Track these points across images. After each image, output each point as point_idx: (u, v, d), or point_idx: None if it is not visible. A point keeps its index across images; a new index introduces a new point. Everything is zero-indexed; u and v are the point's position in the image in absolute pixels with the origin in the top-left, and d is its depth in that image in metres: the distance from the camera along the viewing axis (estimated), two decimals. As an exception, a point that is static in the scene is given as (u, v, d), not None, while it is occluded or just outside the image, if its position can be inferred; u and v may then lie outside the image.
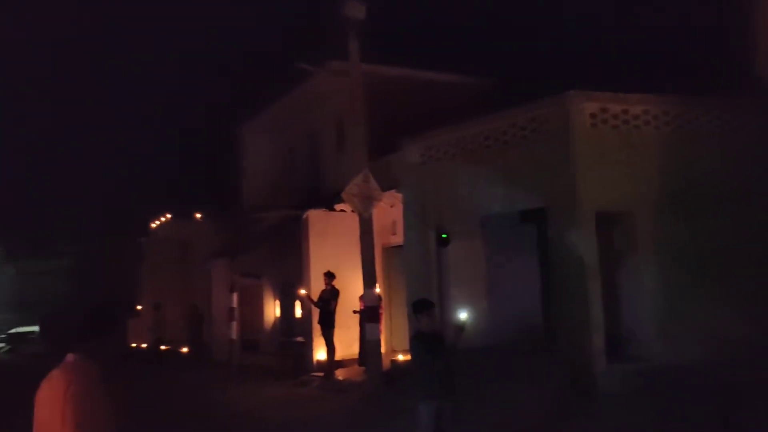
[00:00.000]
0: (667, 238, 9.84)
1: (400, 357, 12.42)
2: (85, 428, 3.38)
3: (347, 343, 13.37)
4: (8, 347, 31.12)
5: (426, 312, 5.79)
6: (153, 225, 24.69)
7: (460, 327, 5.74)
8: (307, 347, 14.22)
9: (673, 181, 9.94)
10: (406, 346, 10.80)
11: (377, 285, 11.91)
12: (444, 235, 11.74)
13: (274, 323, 18.11)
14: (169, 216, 23.67)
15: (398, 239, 13.07)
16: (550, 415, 8.40)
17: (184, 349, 19.91)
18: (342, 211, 13.77)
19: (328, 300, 12.91)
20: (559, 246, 9.86)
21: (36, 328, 31.54)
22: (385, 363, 11.92)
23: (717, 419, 7.30)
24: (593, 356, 9.24)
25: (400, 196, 12.46)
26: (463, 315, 5.86)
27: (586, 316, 9.34)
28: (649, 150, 10.03)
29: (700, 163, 10.08)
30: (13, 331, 33.86)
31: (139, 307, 24.23)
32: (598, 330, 9.32)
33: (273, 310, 18.23)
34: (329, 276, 13.00)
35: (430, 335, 5.75)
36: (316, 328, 13.36)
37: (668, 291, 9.72)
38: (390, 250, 14.10)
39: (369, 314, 11.38)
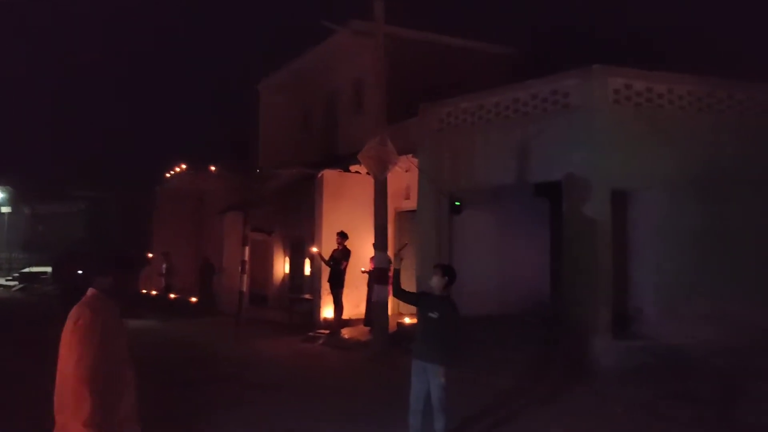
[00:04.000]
0: (682, 219, 9.83)
1: (407, 320, 12.60)
2: (86, 360, 3.44)
3: (355, 303, 13.58)
4: (21, 285, 31.73)
5: (438, 276, 5.93)
6: (168, 175, 24.84)
7: (398, 259, 6.17)
8: (315, 304, 14.44)
9: (692, 162, 9.89)
10: (413, 309, 10.97)
11: (388, 248, 12.02)
12: (457, 203, 11.79)
13: (283, 279, 18.34)
14: (184, 166, 23.79)
15: (411, 204, 13.13)
16: (550, 387, 8.54)
17: (193, 299, 20.24)
18: (357, 172, 13.81)
19: (340, 260, 13.06)
20: (572, 220, 9.89)
21: (48, 269, 32.06)
22: (391, 325, 12.11)
23: (718, 402, 7.40)
24: (599, 331, 9.35)
25: (416, 161, 12.47)
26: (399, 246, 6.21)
27: (595, 292, 9.43)
28: (671, 130, 9.95)
29: (720, 147, 10.01)
30: (26, 270, 34.48)
31: (150, 255, 24.55)
32: (606, 306, 9.41)
33: (282, 266, 18.44)
34: (342, 236, 13.13)
35: (435, 297, 5.91)
36: (325, 287, 13.55)
37: (680, 271, 9.75)
38: (402, 215, 14.18)
39: (378, 276, 11.51)
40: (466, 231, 12.00)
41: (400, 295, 6.18)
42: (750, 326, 9.37)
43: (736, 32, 12.71)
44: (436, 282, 5.94)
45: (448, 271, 5.98)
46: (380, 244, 11.47)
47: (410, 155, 12.37)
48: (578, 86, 9.92)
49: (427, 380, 5.76)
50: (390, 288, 12.51)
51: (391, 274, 11.41)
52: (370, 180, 11.85)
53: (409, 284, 11.58)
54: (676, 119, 10.01)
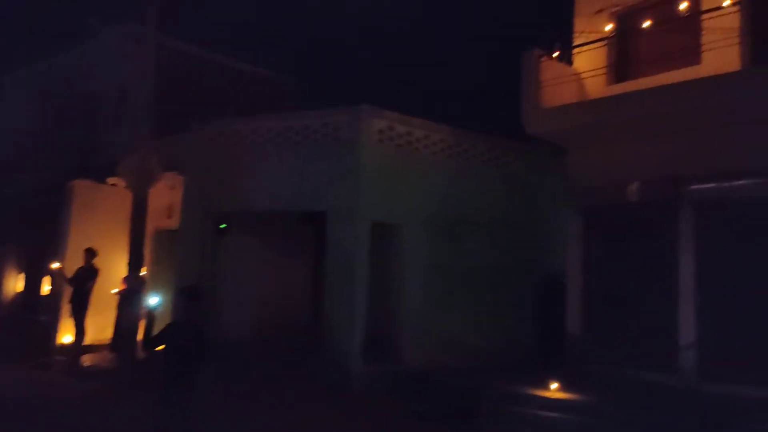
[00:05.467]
0: (430, 254, 10.82)
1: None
2: None
3: (100, 327, 12.45)
4: None
5: (184, 299, 5.77)
6: None
7: (152, 314, 5.97)
8: (53, 327, 12.94)
9: (441, 202, 11.00)
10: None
11: (143, 269, 11.29)
12: (223, 225, 11.56)
13: (15, 298, 16.15)
14: None
15: (173, 223, 12.53)
16: (304, 410, 8.69)
17: None
18: (114, 185, 12.83)
19: (84, 279, 11.89)
20: (334, 250, 10.29)
21: None
22: (140, 351, 11.31)
23: (455, 419, 8.20)
24: (352, 357, 9.78)
25: (182, 179, 11.98)
26: (153, 300, 6.02)
27: (350, 319, 9.87)
28: (425, 171, 10.95)
29: (463, 191, 11.28)
30: None
31: None
32: (360, 332, 9.90)
33: (15, 283, 16.25)
34: (90, 253, 11.99)
35: (181, 323, 5.73)
36: (67, 308, 12.22)
37: (427, 301, 10.71)
38: (162, 234, 13.43)
39: (129, 298, 10.72)
40: (231, 254, 11.80)
41: (151, 345, 5.87)
42: (480, 351, 10.61)
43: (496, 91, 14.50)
44: (181, 306, 5.77)
45: (192, 294, 5.85)
46: (134, 265, 10.71)
47: (176, 172, 11.86)
48: (347, 123, 10.44)
49: (172, 407, 5.50)
50: (141, 311, 11.80)
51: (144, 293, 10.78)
52: (129, 194, 11.08)
53: (164, 308, 11.02)
54: (430, 163, 11.05)
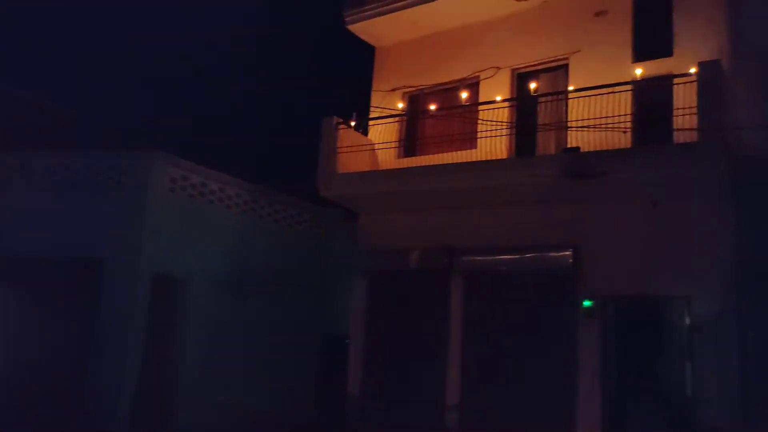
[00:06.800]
0: (215, 311, 10.42)
1: None
2: None
3: None
4: None
5: None
6: None
7: None
8: None
9: (231, 257, 10.74)
10: None
11: None
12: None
13: None
14: None
15: None
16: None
17: None
18: None
19: None
20: (109, 302, 9.47)
21: None
22: None
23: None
24: (118, 420, 8.96)
25: None
26: None
27: (119, 378, 9.08)
28: (217, 225, 10.66)
29: (256, 247, 11.18)
30: None
31: None
32: (128, 393, 9.12)
33: None
34: None
35: None
36: None
37: (208, 361, 10.20)
38: None
39: None
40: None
41: None
42: (261, 413, 10.33)
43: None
44: None
45: None
46: None
47: None
48: (138, 168, 9.84)
49: None
50: None
51: None
52: None
53: None
54: (223, 217, 10.80)
